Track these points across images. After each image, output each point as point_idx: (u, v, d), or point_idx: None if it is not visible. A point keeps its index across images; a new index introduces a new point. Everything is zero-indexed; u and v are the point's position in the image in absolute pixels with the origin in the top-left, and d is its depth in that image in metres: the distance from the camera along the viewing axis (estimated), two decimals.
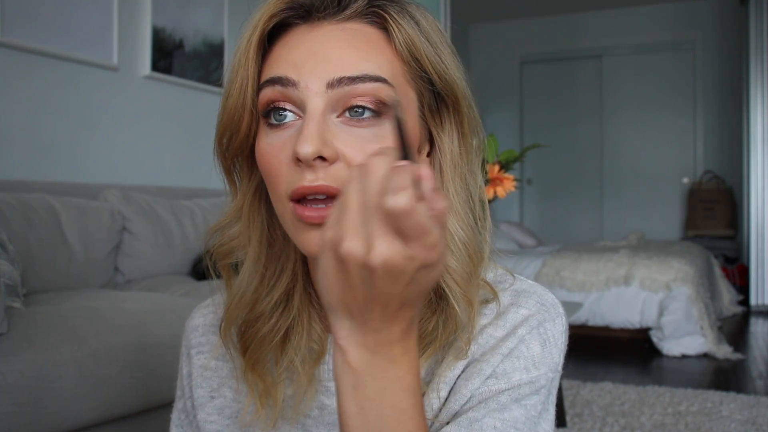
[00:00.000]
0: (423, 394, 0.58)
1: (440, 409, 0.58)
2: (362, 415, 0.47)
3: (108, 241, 2.36)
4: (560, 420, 2.23)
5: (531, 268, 4.02)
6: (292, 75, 0.54)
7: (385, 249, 0.40)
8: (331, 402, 0.63)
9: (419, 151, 0.59)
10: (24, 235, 2.03)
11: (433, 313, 0.58)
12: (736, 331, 4.20)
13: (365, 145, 0.53)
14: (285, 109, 0.55)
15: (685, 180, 6.46)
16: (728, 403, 2.56)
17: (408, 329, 0.46)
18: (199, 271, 2.58)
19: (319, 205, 0.53)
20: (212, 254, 0.64)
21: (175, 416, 0.73)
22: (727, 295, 4.63)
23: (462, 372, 0.58)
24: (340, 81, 0.53)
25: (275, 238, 0.62)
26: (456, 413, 0.57)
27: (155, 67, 2.94)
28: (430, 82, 0.57)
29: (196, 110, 3.14)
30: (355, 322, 0.45)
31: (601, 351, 3.64)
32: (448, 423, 0.56)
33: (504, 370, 0.57)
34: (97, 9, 2.68)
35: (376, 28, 0.56)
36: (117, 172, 2.79)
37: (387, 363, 0.46)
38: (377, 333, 0.45)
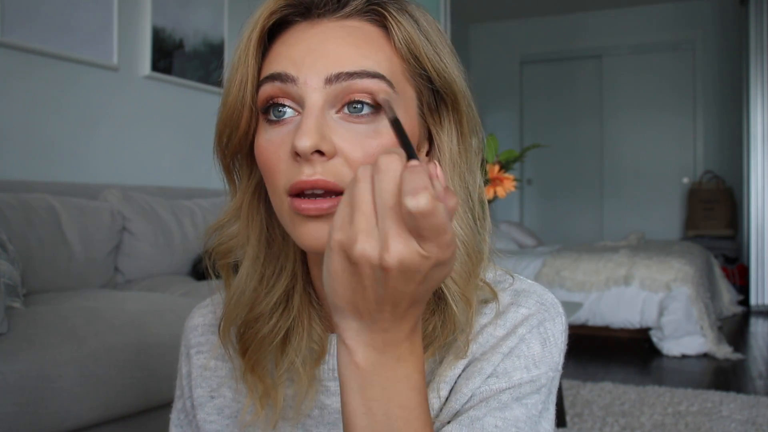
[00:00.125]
0: None
1: (441, 409, 0.58)
2: (369, 415, 0.47)
3: (108, 241, 2.36)
4: (560, 420, 2.23)
5: (531, 268, 4.02)
6: (291, 71, 0.54)
7: (401, 249, 0.40)
8: (331, 402, 0.63)
9: (418, 150, 0.59)
10: (24, 235, 2.03)
11: (432, 314, 0.58)
12: (736, 331, 4.20)
13: (363, 141, 0.53)
14: (284, 105, 0.55)
15: (685, 180, 6.46)
16: (728, 403, 2.56)
17: (414, 327, 0.46)
18: (199, 271, 2.58)
19: (317, 199, 0.53)
20: (211, 253, 0.64)
21: (175, 416, 0.73)
22: (727, 295, 4.63)
23: (462, 371, 0.58)
24: (339, 76, 0.53)
25: (274, 238, 0.62)
26: (457, 412, 0.57)
27: (155, 67, 2.94)
28: (429, 81, 0.57)
29: (196, 110, 3.14)
30: (363, 323, 0.45)
31: (601, 351, 3.64)
32: (449, 422, 0.56)
33: (505, 369, 0.57)
34: (97, 9, 2.68)
35: (376, 26, 0.56)
36: (117, 172, 2.79)
37: (394, 362, 0.46)
38: (386, 332, 0.45)
